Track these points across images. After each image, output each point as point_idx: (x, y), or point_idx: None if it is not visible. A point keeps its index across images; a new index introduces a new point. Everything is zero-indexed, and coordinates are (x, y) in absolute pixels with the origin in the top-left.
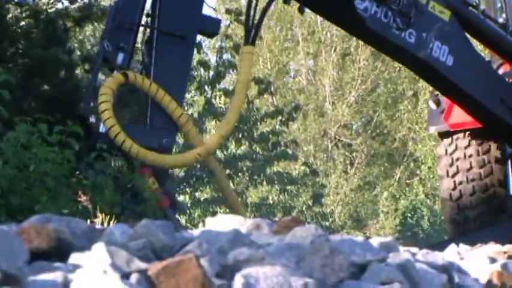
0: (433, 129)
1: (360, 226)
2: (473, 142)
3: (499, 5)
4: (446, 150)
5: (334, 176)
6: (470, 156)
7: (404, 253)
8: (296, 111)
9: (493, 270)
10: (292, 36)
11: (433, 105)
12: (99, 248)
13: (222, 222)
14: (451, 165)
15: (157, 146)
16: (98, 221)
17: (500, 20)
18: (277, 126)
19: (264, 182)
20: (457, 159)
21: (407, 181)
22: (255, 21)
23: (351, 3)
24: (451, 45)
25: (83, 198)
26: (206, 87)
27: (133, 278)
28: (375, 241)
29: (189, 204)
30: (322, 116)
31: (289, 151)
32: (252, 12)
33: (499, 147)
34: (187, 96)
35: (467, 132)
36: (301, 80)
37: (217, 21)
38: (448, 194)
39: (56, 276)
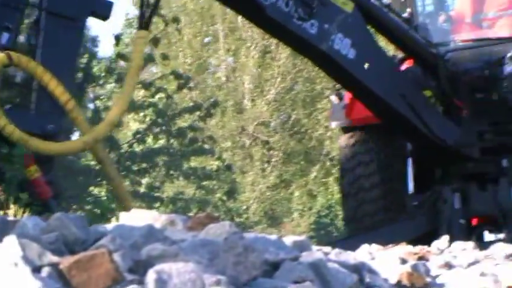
0: (335, 124)
1: (275, 224)
2: (375, 137)
3: None
4: (347, 144)
5: (251, 173)
6: (370, 150)
7: (316, 252)
8: (215, 107)
9: (403, 271)
10: (213, 32)
11: (335, 100)
12: (10, 240)
13: (137, 217)
14: (352, 158)
15: (41, 132)
16: (10, 212)
17: (405, 15)
18: (196, 122)
19: (181, 177)
20: (358, 153)
21: (323, 180)
22: (150, 5)
23: None
24: (353, 38)
25: None
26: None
27: (45, 271)
28: (289, 240)
29: (104, 198)
30: (240, 112)
31: (207, 147)
32: None
33: (400, 143)
34: (108, 87)
35: (369, 127)
36: (221, 76)
37: (110, 4)
38: (348, 188)
39: None
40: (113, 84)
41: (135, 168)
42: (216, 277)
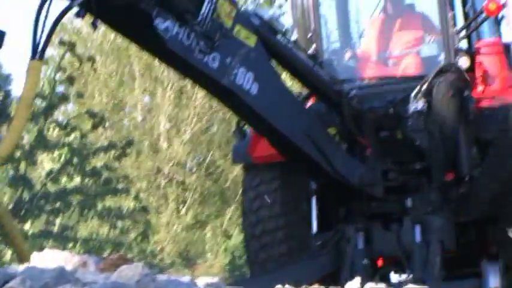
0: (238, 162)
1: (189, 265)
2: (279, 176)
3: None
4: (250, 184)
5: (166, 213)
6: (274, 190)
7: None
8: (130, 147)
9: None
10: (129, 71)
11: (238, 137)
12: None
13: (49, 258)
14: (255, 199)
15: None
16: None
17: (310, 51)
18: (111, 161)
19: (95, 217)
20: (261, 194)
21: (239, 221)
22: (44, 34)
23: (151, 22)
24: (256, 72)
25: None
26: (39, 118)
27: None
28: (202, 281)
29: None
30: (156, 152)
31: (121, 186)
32: (40, 24)
33: (304, 182)
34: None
35: (273, 166)
36: (137, 116)
37: (2, 34)
38: (251, 230)
39: None
40: None
41: (48, 208)
42: None
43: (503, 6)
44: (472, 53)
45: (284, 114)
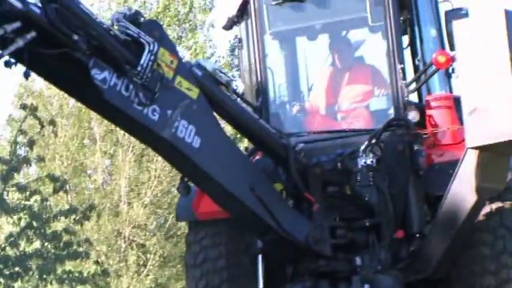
0: (182, 219)
1: None
2: (223, 232)
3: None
4: (194, 239)
5: (126, 276)
6: (219, 245)
7: None
8: (91, 211)
9: None
10: (90, 134)
11: (182, 192)
12: None
13: None
14: (199, 253)
15: None
16: None
17: (257, 104)
18: (71, 225)
19: (54, 281)
20: (205, 248)
21: None
22: None
23: (87, 72)
24: (198, 125)
25: None
26: None
27: None
28: None
29: None
30: (117, 215)
31: (82, 250)
32: None
33: (249, 239)
34: None
35: (217, 222)
36: (98, 179)
37: None
38: (194, 285)
39: None
40: None
41: (7, 272)
42: None
43: (453, 59)
44: (422, 106)
45: (227, 169)
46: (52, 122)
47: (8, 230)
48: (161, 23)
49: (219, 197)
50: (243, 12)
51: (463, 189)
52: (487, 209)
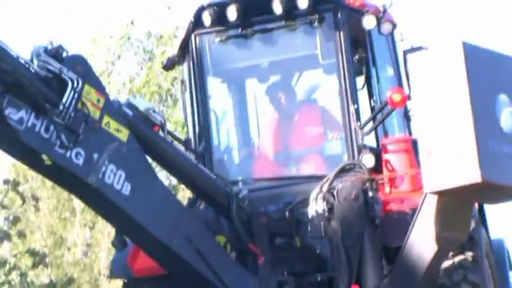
0: (117, 276)
1: None
2: None
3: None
4: None
5: None
6: None
7: None
8: (70, 284)
9: None
10: (70, 207)
11: (118, 247)
12: None
13: None
14: None
15: None
16: None
17: (199, 149)
18: None
19: None
20: None
21: None
22: None
23: (1, 113)
24: (128, 170)
25: None
26: None
27: None
28: None
29: None
30: None
31: None
32: None
33: None
34: None
35: (154, 280)
36: (77, 252)
37: None
38: None
39: None
40: None
41: None
42: None
43: (409, 97)
44: (378, 150)
45: (162, 218)
46: (34, 198)
47: None
48: (86, 59)
49: (154, 250)
50: (184, 51)
51: (422, 239)
52: (449, 262)
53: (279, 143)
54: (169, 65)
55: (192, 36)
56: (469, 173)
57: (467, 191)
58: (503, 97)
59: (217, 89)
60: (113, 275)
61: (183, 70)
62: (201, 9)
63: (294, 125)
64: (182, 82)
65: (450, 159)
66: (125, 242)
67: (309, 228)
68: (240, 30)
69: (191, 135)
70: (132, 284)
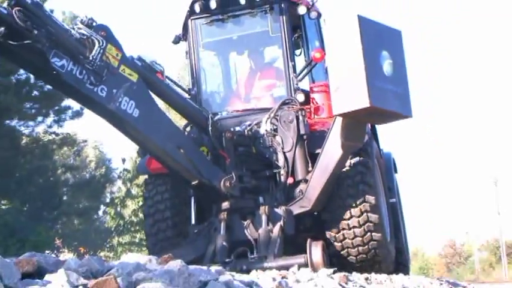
0: (140, 173)
1: None
2: (169, 188)
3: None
4: (149, 195)
5: None
6: (165, 200)
7: (227, 275)
8: None
9: (275, 284)
10: None
11: (140, 155)
12: (60, 271)
13: (131, 257)
14: (152, 206)
15: None
16: (63, 255)
17: (193, 92)
18: None
19: None
20: (156, 202)
21: None
22: None
23: (48, 61)
24: (137, 100)
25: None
26: None
27: None
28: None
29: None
30: None
31: None
32: None
33: (185, 189)
34: None
35: (162, 176)
36: None
37: None
38: (149, 229)
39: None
40: None
41: None
42: None
43: (325, 54)
44: (307, 91)
45: (160, 132)
46: None
47: None
48: (109, 27)
49: (157, 154)
50: (184, 31)
51: (333, 146)
52: (350, 168)
53: (245, 89)
54: (175, 41)
55: (189, 21)
56: (362, 101)
57: (361, 113)
58: (385, 53)
59: (205, 55)
60: (138, 172)
61: (186, 44)
62: (193, 2)
63: (256, 77)
64: (186, 53)
65: (349, 92)
66: (144, 153)
67: (261, 141)
68: (219, 15)
69: (190, 85)
70: (149, 177)
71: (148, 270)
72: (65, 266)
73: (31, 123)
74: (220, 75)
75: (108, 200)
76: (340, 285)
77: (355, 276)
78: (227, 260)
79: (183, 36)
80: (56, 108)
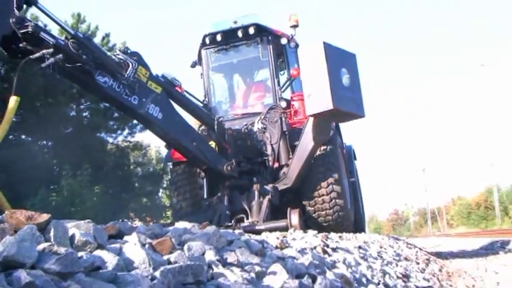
0: (166, 161)
1: None
2: (187, 174)
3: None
4: (172, 180)
5: None
6: (184, 180)
7: (245, 236)
8: None
9: (278, 242)
10: None
11: (167, 148)
12: (134, 234)
13: (181, 224)
14: (176, 190)
15: None
16: (135, 223)
17: (205, 101)
18: None
19: None
20: (178, 186)
21: None
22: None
23: (94, 78)
24: (161, 107)
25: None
26: None
27: (146, 246)
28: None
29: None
30: None
31: None
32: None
33: (199, 171)
34: None
35: (183, 163)
36: None
37: None
38: (175, 206)
39: (117, 245)
40: None
41: None
42: (209, 246)
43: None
44: (288, 100)
45: (179, 130)
46: None
47: None
48: (140, 53)
49: (177, 147)
50: (199, 58)
51: (307, 139)
52: (320, 154)
53: (243, 99)
54: (193, 65)
55: (202, 50)
56: (327, 104)
57: (327, 114)
58: (343, 69)
59: (214, 75)
60: (165, 161)
61: (200, 67)
62: (205, 36)
63: (251, 90)
64: (201, 74)
65: (318, 98)
66: (170, 147)
67: (254, 136)
68: (223, 46)
69: (203, 97)
70: (172, 165)
71: (192, 233)
72: (137, 230)
73: (113, 134)
74: (225, 89)
75: (164, 186)
76: (322, 241)
77: (332, 235)
78: (229, 224)
79: (199, 61)
80: (130, 124)
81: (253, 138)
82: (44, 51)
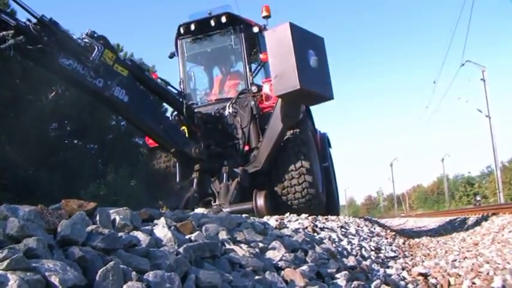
0: (145, 147)
1: None
2: (162, 156)
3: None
4: (150, 163)
5: None
6: (159, 167)
7: (251, 219)
8: None
9: (277, 224)
10: None
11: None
12: (162, 218)
13: (199, 210)
14: (152, 171)
15: None
16: (162, 210)
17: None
18: None
19: None
20: (154, 168)
21: None
22: None
23: (57, 60)
24: (127, 90)
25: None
26: None
27: (172, 228)
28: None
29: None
30: None
31: None
32: None
33: (171, 157)
34: None
35: (156, 148)
36: None
37: None
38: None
39: (149, 227)
40: None
41: None
42: (222, 228)
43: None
44: (260, 85)
45: (145, 113)
46: None
47: None
48: (106, 37)
49: (144, 130)
50: (176, 48)
51: (276, 122)
52: (290, 142)
53: (218, 87)
54: (171, 56)
55: (178, 40)
56: (294, 84)
57: (294, 94)
58: (311, 51)
59: (189, 64)
60: (144, 146)
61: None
62: (179, 26)
63: (226, 79)
64: (178, 62)
65: (285, 79)
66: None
67: (226, 120)
68: (197, 35)
69: (179, 84)
70: (148, 150)
71: (208, 217)
72: (164, 215)
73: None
74: (200, 77)
75: None
76: (312, 222)
77: (320, 217)
78: (196, 207)
79: (176, 52)
80: None
81: (224, 122)
82: (4, 32)
